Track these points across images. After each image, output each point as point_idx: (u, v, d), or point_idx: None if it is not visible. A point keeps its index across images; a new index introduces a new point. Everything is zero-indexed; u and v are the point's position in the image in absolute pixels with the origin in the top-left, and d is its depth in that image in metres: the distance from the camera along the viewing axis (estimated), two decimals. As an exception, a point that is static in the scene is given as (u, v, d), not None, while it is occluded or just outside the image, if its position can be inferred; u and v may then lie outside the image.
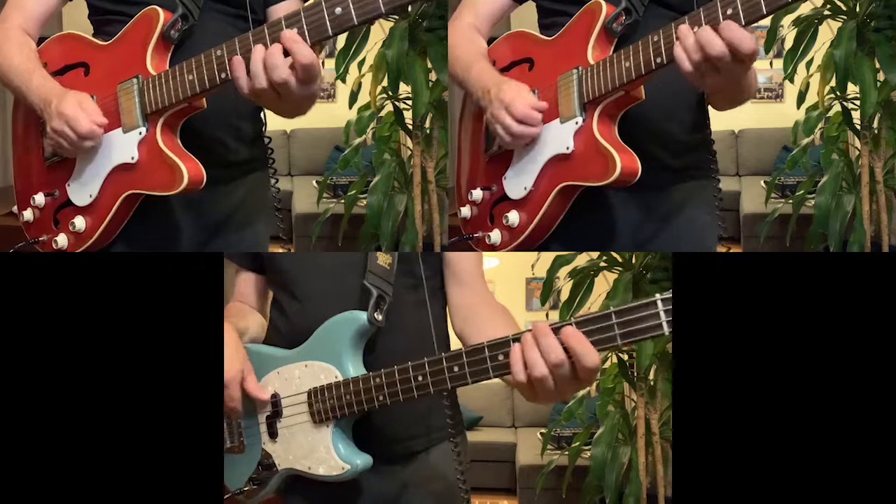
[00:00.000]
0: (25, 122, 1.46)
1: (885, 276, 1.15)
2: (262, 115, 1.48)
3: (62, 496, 1.19)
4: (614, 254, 2.91)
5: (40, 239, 1.42)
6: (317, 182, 4.04)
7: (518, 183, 1.37)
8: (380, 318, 1.24)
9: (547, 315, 3.54)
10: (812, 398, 1.14)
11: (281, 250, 1.52)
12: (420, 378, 1.13)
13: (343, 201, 3.66)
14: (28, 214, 1.44)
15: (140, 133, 1.30)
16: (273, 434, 1.30)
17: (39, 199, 1.42)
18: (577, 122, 1.29)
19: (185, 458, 1.21)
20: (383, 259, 1.28)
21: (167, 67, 1.31)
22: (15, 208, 1.49)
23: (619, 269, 2.96)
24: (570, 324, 0.98)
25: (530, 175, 1.35)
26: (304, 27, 1.16)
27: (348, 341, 1.24)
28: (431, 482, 1.33)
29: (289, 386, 1.29)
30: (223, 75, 1.22)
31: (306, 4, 1.19)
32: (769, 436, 1.15)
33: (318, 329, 1.27)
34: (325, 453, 1.24)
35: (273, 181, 1.46)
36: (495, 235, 1.41)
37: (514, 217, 1.38)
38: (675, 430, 1.21)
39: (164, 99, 1.27)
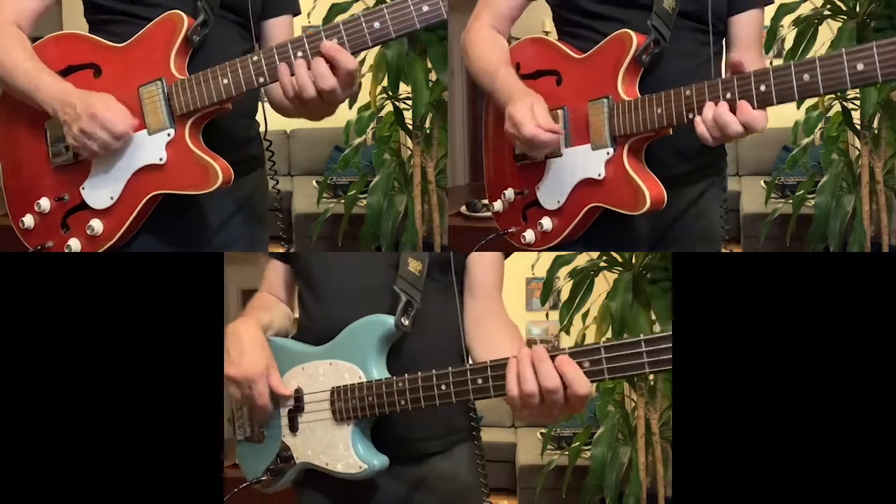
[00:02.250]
0: (25, 123, 1.41)
1: (885, 276, 1.16)
2: (264, 115, 1.50)
3: (62, 494, 1.19)
4: (614, 254, 2.92)
5: (47, 245, 1.39)
6: (317, 182, 4.04)
7: (551, 196, 1.46)
8: (406, 323, 1.26)
9: (547, 315, 3.54)
10: (812, 398, 1.14)
11: (280, 250, 1.53)
12: (443, 387, 1.14)
13: (343, 201, 3.65)
14: (29, 220, 1.41)
15: (168, 134, 1.31)
16: (294, 428, 1.31)
17: (45, 203, 1.39)
18: (608, 153, 1.37)
19: (184, 457, 1.21)
20: (414, 265, 1.29)
21: (186, 71, 1.33)
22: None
23: (619, 269, 2.96)
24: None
25: (563, 192, 1.44)
26: (345, 38, 1.23)
27: (374, 344, 1.25)
28: (446, 484, 1.33)
29: (312, 382, 1.30)
30: (261, 79, 1.27)
31: (344, 17, 1.26)
32: (769, 435, 1.15)
33: (346, 329, 1.28)
34: (344, 451, 1.25)
35: (273, 182, 1.47)
36: (529, 235, 1.50)
37: (547, 223, 1.47)
38: (675, 430, 1.21)
39: (196, 102, 1.30)
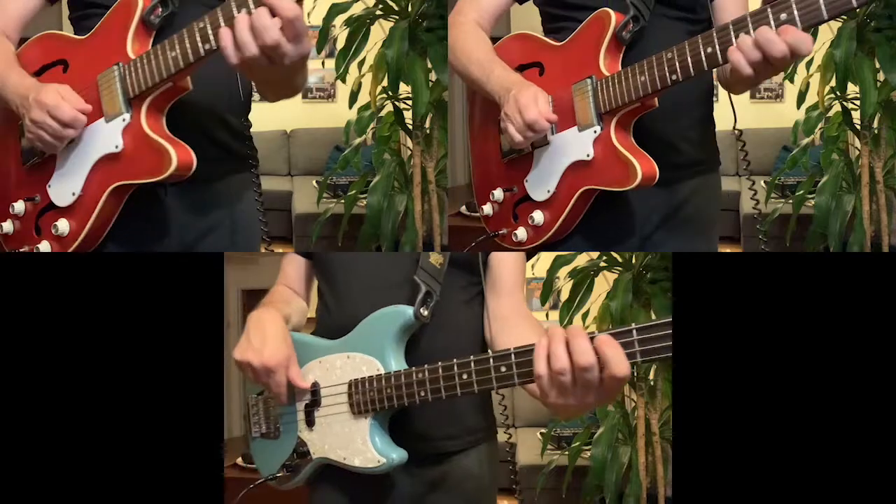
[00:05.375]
0: (2, 127, 1.40)
1: (885, 276, 1.16)
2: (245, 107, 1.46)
3: (62, 495, 1.19)
4: (614, 254, 2.92)
5: (21, 251, 1.36)
6: (317, 182, 4.04)
7: (541, 186, 1.43)
8: (425, 313, 1.24)
9: (547, 315, 3.54)
10: (812, 398, 1.14)
11: (280, 249, 1.52)
12: (465, 376, 1.11)
13: (343, 201, 3.66)
14: (7, 226, 1.37)
15: (123, 120, 1.25)
16: (310, 422, 1.29)
17: (19, 206, 1.35)
18: (595, 131, 1.35)
19: (184, 457, 1.21)
20: (435, 259, 1.27)
21: None
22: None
23: (619, 269, 2.96)
24: (605, 332, 0.97)
25: (553, 179, 1.41)
26: None
27: (392, 335, 1.24)
28: (462, 484, 1.33)
29: (329, 376, 1.28)
30: (207, 46, 1.17)
31: None
32: (769, 435, 1.15)
33: (363, 321, 1.27)
34: (362, 445, 1.23)
35: (254, 179, 1.44)
36: (521, 233, 1.47)
37: (539, 217, 1.44)
38: (675, 430, 1.21)
39: (146, 80, 1.23)
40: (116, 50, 1.27)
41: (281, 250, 1.53)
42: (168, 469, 1.20)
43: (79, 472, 1.19)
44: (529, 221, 1.45)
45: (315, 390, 1.29)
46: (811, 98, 3.32)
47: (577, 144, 1.36)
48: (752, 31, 1.15)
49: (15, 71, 1.33)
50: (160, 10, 1.28)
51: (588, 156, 1.35)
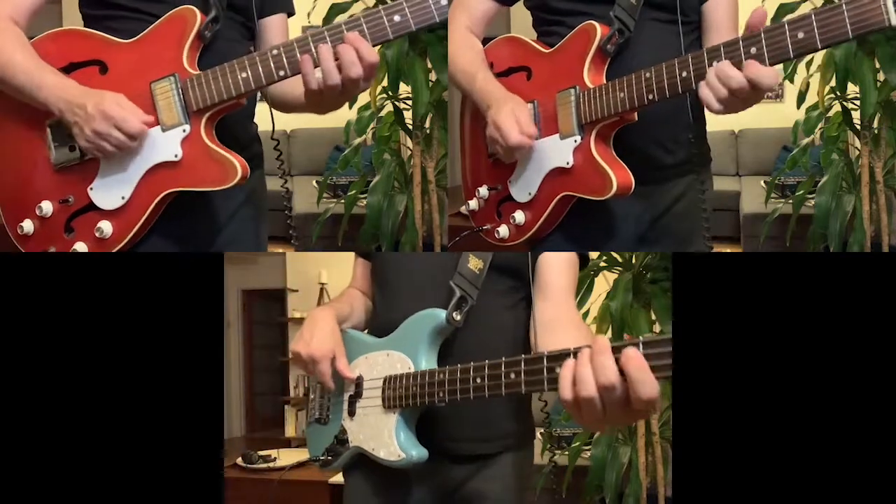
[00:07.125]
0: (21, 124, 1.38)
1: (885, 276, 1.16)
2: (271, 115, 1.51)
3: (62, 494, 1.19)
4: (614, 254, 2.92)
5: (49, 251, 1.37)
6: (317, 182, 4.04)
7: (522, 188, 1.48)
8: (458, 318, 1.28)
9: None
10: (812, 398, 1.14)
11: (290, 249, 1.55)
12: (478, 380, 1.13)
13: (343, 201, 3.66)
14: (28, 226, 1.37)
15: (184, 131, 1.30)
16: (352, 412, 1.36)
17: (47, 207, 1.36)
18: (575, 140, 1.38)
19: (184, 457, 1.21)
20: (474, 263, 1.32)
21: (197, 67, 1.32)
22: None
23: (619, 269, 2.96)
24: (636, 344, 0.88)
25: (534, 183, 1.46)
26: (366, 30, 1.24)
27: (426, 336, 1.29)
28: (490, 487, 1.34)
29: (371, 371, 1.35)
30: (282, 73, 1.27)
31: (364, 10, 1.26)
32: (769, 436, 1.15)
33: (405, 322, 1.32)
34: (388, 438, 1.28)
35: (282, 181, 1.48)
36: (503, 230, 1.52)
37: (520, 217, 1.49)
38: (675, 430, 1.21)
39: (212, 97, 1.29)
40: (170, 60, 1.31)
41: (280, 250, 1.54)
42: (168, 469, 1.21)
43: (78, 472, 1.19)
44: (511, 220, 1.50)
45: (359, 383, 1.35)
46: (811, 98, 3.33)
47: (558, 151, 1.40)
48: (723, 59, 1.18)
49: (48, 70, 1.32)
50: (212, 25, 1.34)
51: (568, 163, 1.39)
